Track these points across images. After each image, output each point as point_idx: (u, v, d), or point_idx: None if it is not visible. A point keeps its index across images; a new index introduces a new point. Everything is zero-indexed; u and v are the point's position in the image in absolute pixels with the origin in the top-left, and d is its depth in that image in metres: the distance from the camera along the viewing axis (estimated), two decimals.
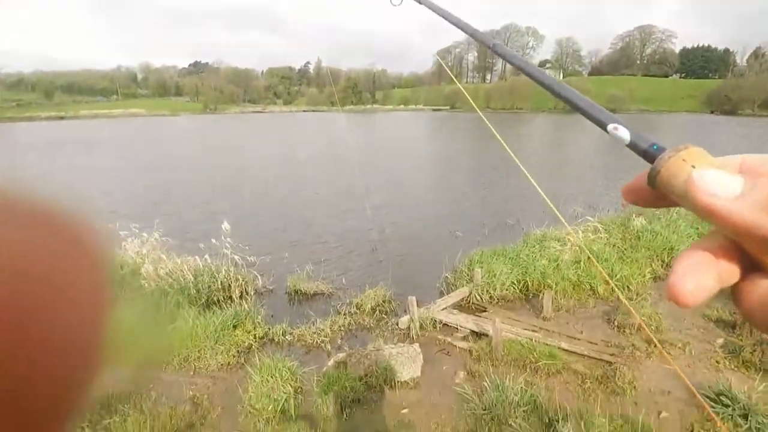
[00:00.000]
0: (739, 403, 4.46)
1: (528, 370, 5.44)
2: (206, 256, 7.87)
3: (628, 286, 7.44)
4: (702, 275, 0.29)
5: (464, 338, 6.39)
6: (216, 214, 13.36)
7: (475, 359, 5.82)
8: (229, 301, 7.45)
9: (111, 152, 29.54)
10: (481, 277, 7.57)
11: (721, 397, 4.61)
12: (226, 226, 7.91)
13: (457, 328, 6.62)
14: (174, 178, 20.34)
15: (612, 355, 5.72)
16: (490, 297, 7.47)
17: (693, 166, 0.30)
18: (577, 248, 8.20)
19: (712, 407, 4.57)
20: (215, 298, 7.56)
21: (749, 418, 4.32)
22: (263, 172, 21.79)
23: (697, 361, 5.56)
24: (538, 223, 9.99)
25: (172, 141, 34.25)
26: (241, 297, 7.58)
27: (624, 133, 0.37)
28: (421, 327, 6.56)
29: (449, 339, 6.39)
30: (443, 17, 0.92)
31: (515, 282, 7.65)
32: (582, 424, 4.17)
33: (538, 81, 0.50)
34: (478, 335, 6.39)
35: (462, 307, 7.36)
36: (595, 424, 4.06)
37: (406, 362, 5.58)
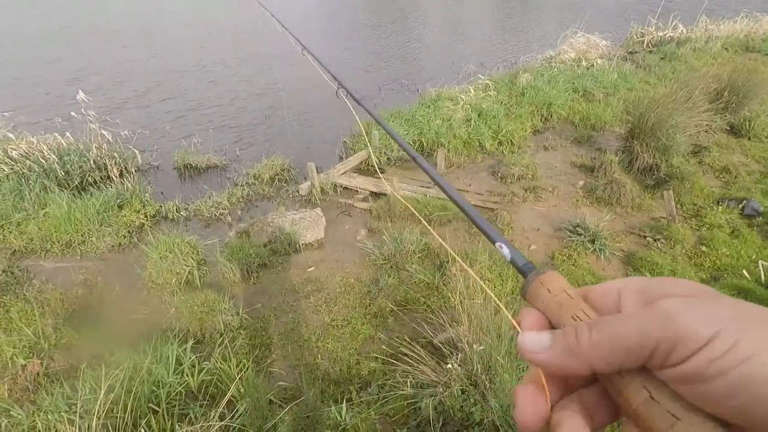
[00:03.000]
0: (589, 231, 5.39)
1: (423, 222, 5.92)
2: (68, 133, 6.80)
3: (511, 140, 8.07)
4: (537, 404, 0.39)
5: (364, 199, 6.64)
6: (71, 83, 11.33)
7: (374, 217, 6.14)
8: (108, 181, 6.73)
9: None
10: (379, 140, 7.64)
11: (577, 228, 5.52)
12: (81, 96, 6.73)
13: (357, 191, 6.82)
14: (9, 38, 16.31)
15: (495, 202, 6.41)
16: (388, 158, 7.67)
17: (548, 290, 0.41)
18: (469, 107, 8.49)
19: (569, 237, 5.49)
20: (91, 179, 6.78)
21: (595, 241, 5.28)
22: (126, 33, 18.34)
23: (562, 201, 6.48)
24: (433, 83, 10.01)
25: None
26: (121, 176, 6.87)
27: (506, 252, 0.48)
28: (322, 192, 6.64)
29: (350, 201, 6.59)
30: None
31: (411, 143, 7.86)
32: (468, 262, 4.78)
33: (448, 195, 0.61)
34: (377, 195, 6.67)
35: (361, 170, 7.50)
36: (477, 260, 4.68)
37: (309, 226, 5.73)
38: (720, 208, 6.14)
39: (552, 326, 0.41)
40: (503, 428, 2.87)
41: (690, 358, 0.30)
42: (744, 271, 4.89)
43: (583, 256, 5.22)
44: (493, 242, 0.50)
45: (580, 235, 5.43)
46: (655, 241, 5.55)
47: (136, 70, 12.97)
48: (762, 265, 4.88)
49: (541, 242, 5.60)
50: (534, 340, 0.38)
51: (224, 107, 10.38)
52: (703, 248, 5.42)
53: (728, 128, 8.59)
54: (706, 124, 7.79)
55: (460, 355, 3.24)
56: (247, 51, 14.56)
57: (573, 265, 5.09)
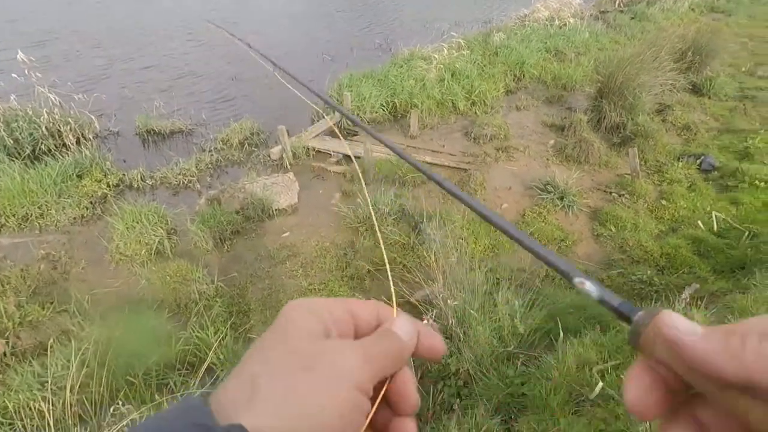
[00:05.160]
0: (559, 188, 5.51)
1: (397, 184, 5.90)
2: (12, 98, 6.33)
3: (484, 101, 8.03)
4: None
5: (338, 162, 6.55)
6: (11, 42, 10.46)
7: (348, 180, 6.08)
8: (64, 150, 6.34)
9: None
10: (351, 101, 7.47)
11: (547, 186, 5.64)
12: (21, 56, 6.22)
13: (330, 154, 6.70)
14: None
15: (468, 163, 6.43)
16: (361, 120, 7.52)
17: None
18: (442, 66, 8.35)
19: (539, 194, 5.60)
20: (44, 148, 6.38)
21: (564, 198, 5.42)
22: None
23: (533, 161, 6.56)
24: (406, 41, 9.75)
25: None
26: (78, 143, 6.49)
27: (591, 288, 0.39)
28: (294, 156, 6.49)
29: (323, 165, 6.48)
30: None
31: (384, 104, 7.72)
32: (442, 221, 4.82)
33: (506, 233, 0.47)
34: (350, 158, 6.57)
35: (333, 132, 7.34)
36: (452, 220, 4.73)
37: (282, 191, 5.63)
38: (680, 163, 6.38)
39: (679, 382, 0.33)
40: (477, 377, 3.00)
41: None
42: (699, 222, 5.14)
43: (552, 213, 5.36)
44: (571, 279, 0.41)
45: (549, 192, 5.55)
46: (619, 196, 5.74)
47: (86, 26, 12.09)
48: (715, 215, 5.14)
49: (512, 200, 5.71)
50: (684, 321, 0.33)
51: (186, 68, 9.87)
52: (664, 202, 5.65)
53: (690, 87, 8.80)
54: (671, 84, 7.95)
55: (435, 310, 3.32)
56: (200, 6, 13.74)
57: (543, 221, 5.22)
